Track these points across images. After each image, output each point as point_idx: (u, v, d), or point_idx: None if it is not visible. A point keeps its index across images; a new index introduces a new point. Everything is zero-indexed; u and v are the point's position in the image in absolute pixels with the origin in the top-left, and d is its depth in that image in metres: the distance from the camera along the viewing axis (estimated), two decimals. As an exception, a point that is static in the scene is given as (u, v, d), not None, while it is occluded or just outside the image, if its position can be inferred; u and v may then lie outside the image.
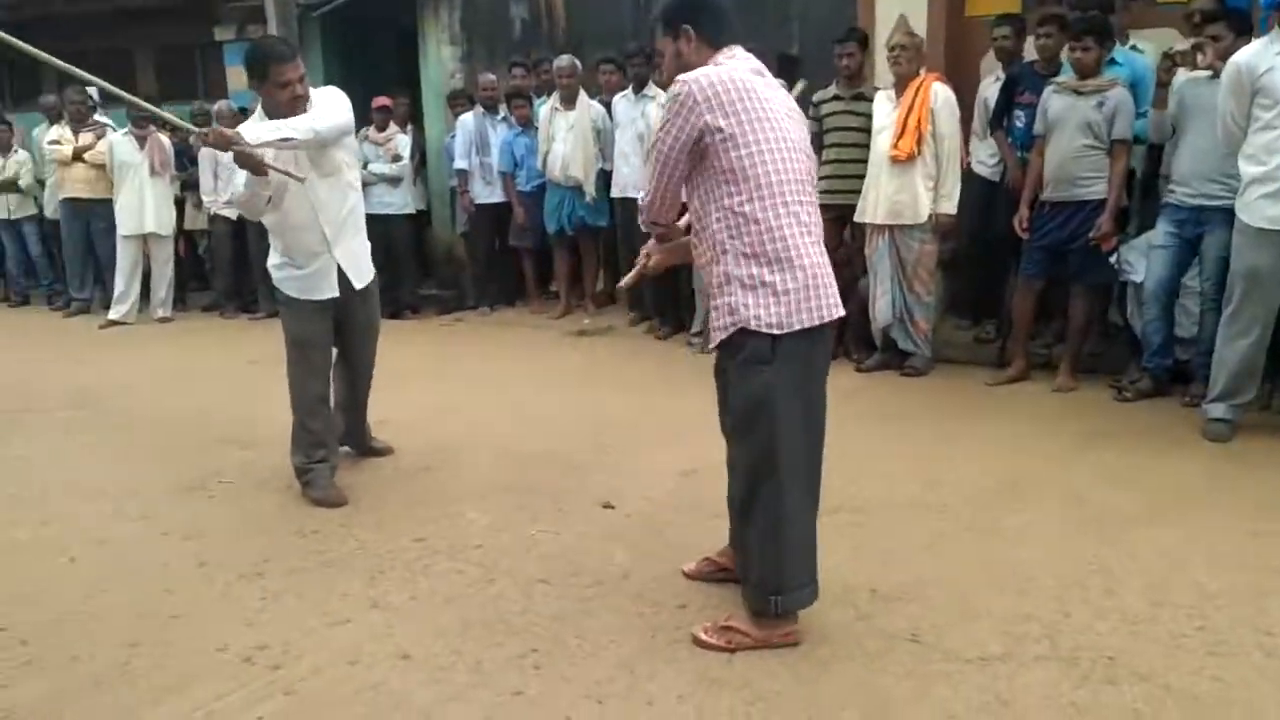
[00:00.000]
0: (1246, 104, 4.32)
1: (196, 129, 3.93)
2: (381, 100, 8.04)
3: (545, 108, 7.44)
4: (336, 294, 4.06)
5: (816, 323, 2.67)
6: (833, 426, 2.86)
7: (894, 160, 5.52)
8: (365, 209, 4.30)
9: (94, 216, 8.61)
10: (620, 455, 4.54)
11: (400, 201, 8.11)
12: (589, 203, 7.35)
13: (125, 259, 8.46)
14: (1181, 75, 5.01)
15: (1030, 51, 5.73)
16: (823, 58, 6.16)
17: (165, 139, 8.49)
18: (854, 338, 6.01)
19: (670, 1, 2.86)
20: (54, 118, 8.97)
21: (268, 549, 3.63)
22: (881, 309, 5.77)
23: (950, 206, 5.58)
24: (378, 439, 4.67)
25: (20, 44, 3.51)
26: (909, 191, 5.54)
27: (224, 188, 8.05)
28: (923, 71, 5.62)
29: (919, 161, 5.50)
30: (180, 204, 8.72)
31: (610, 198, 7.31)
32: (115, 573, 3.49)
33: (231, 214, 8.18)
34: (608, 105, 7.28)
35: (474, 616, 3.08)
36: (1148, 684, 2.60)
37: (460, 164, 7.93)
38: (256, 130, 3.68)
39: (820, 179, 4.92)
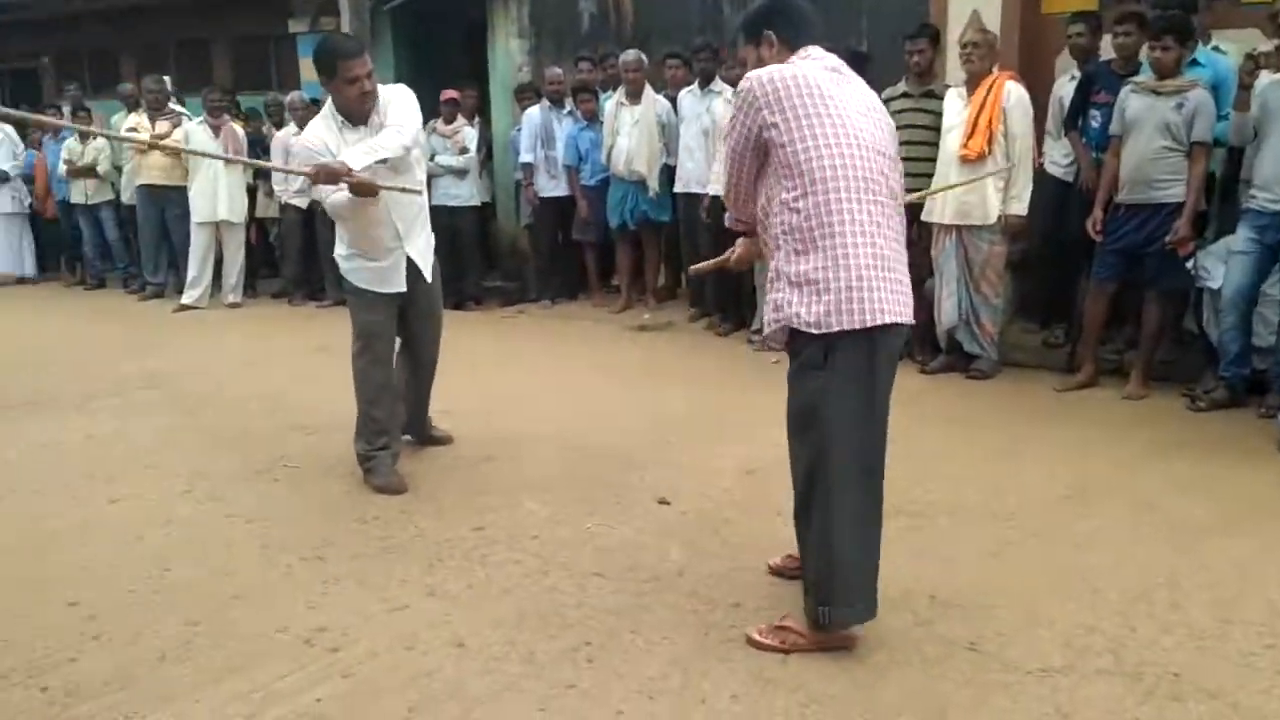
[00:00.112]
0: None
1: (149, 143, 4.03)
2: (449, 93, 8.12)
3: (611, 102, 7.45)
4: (404, 288, 4.11)
5: (857, 326, 2.58)
6: (895, 429, 2.81)
7: (963, 160, 5.42)
8: (432, 200, 4.36)
9: (169, 203, 8.82)
10: (679, 451, 4.53)
11: (466, 194, 8.18)
12: (652, 197, 7.35)
13: (198, 245, 8.67)
14: (1265, 78, 4.87)
15: (1107, 50, 5.60)
16: (892, 54, 6.08)
17: (239, 129, 8.66)
18: (919, 339, 5.92)
19: (752, 10, 2.90)
20: (132, 106, 9.20)
21: (329, 533, 3.69)
22: (947, 310, 5.68)
23: (1020, 208, 5.47)
24: (438, 428, 4.72)
25: None
26: (978, 191, 5.44)
27: (295, 177, 8.19)
28: (995, 69, 5.51)
29: (989, 161, 5.39)
30: (252, 192, 8.89)
31: (673, 193, 7.29)
32: (181, 552, 3.57)
33: (302, 203, 8.34)
34: (673, 100, 7.26)
35: (529, 607, 3.09)
36: (1215, 702, 2.52)
37: (525, 157, 7.97)
38: (357, 158, 3.76)
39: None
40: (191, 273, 8.70)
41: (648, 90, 7.29)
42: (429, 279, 4.21)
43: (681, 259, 7.52)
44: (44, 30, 12.32)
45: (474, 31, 9.25)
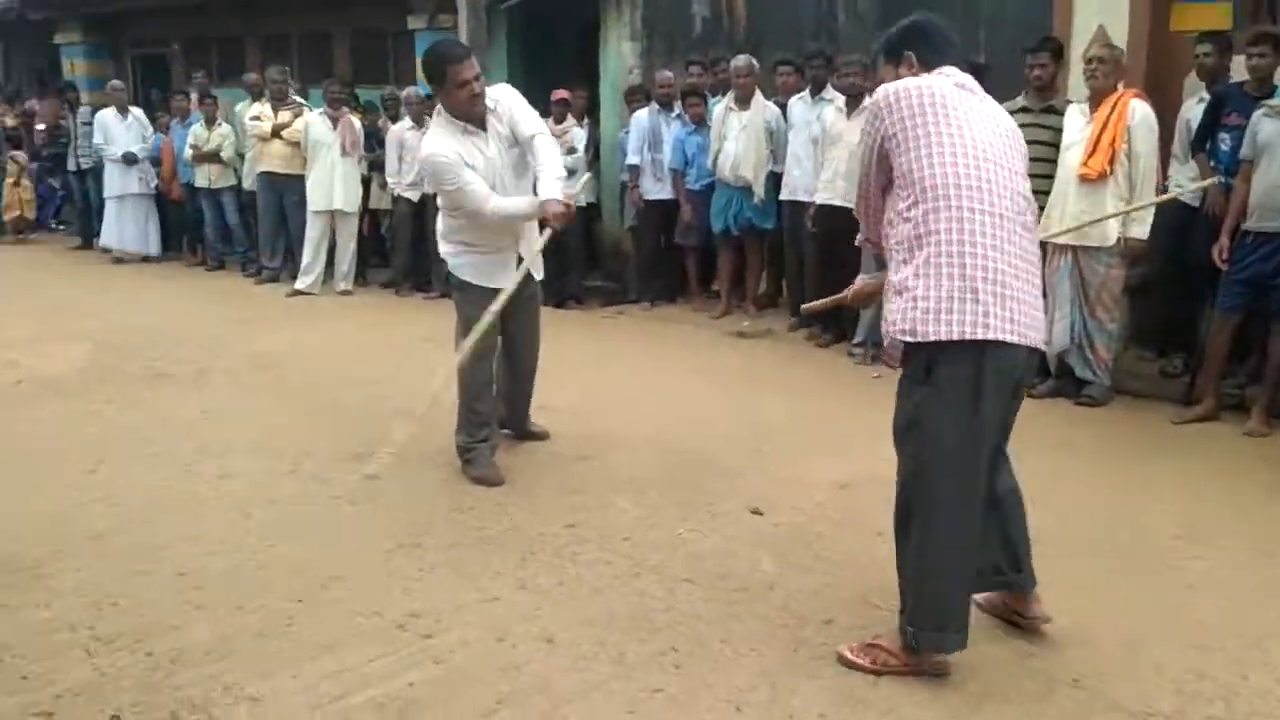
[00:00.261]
0: None
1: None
2: (560, 93, 8.19)
3: (719, 107, 7.42)
4: (511, 285, 4.15)
5: (955, 337, 2.49)
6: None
7: (1083, 178, 5.25)
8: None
9: (287, 190, 9.08)
10: (775, 462, 4.49)
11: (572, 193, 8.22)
12: (757, 204, 7.29)
13: (313, 232, 8.91)
14: None
15: (1238, 71, 5.36)
16: (1010, 66, 5.91)
17: (356, 121, 8.89)
18: (1026, 361, 5.75)
19: (895, 30, 2.88)
20: (256, 95, 9.50)
21: (427, 521, 3.76)
22: (1058, 333, 5.49)
23: (1142, 231, 5.26)
24: (536, 424, 4.76)
25: None
26: (1097, 212, 5.26)
27: (408, 170, 8.39)
28: (1120, 87, 5.32)
29: (1110, 181, 5.21)
30: (366, 183, 9.10)
31: (779, 200, 7.23)
32: (285, 530, 3.68)
33: (414, 195, 8.51)
34: (783, 107, 7.20)
35: (619, 608, 3.10)
36: (1336, 761, 2.40)
37: (632, 159, 7.99)
38: (557, 187, 3.95)
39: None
40: (305, 259, 8.95)
41: (757, 96, 7.24)
42: (538, 276, 4.28)
43: (784, 267, 7.46)
44: (174, 17, 12.84)
45: (587, 33, 9.33)
